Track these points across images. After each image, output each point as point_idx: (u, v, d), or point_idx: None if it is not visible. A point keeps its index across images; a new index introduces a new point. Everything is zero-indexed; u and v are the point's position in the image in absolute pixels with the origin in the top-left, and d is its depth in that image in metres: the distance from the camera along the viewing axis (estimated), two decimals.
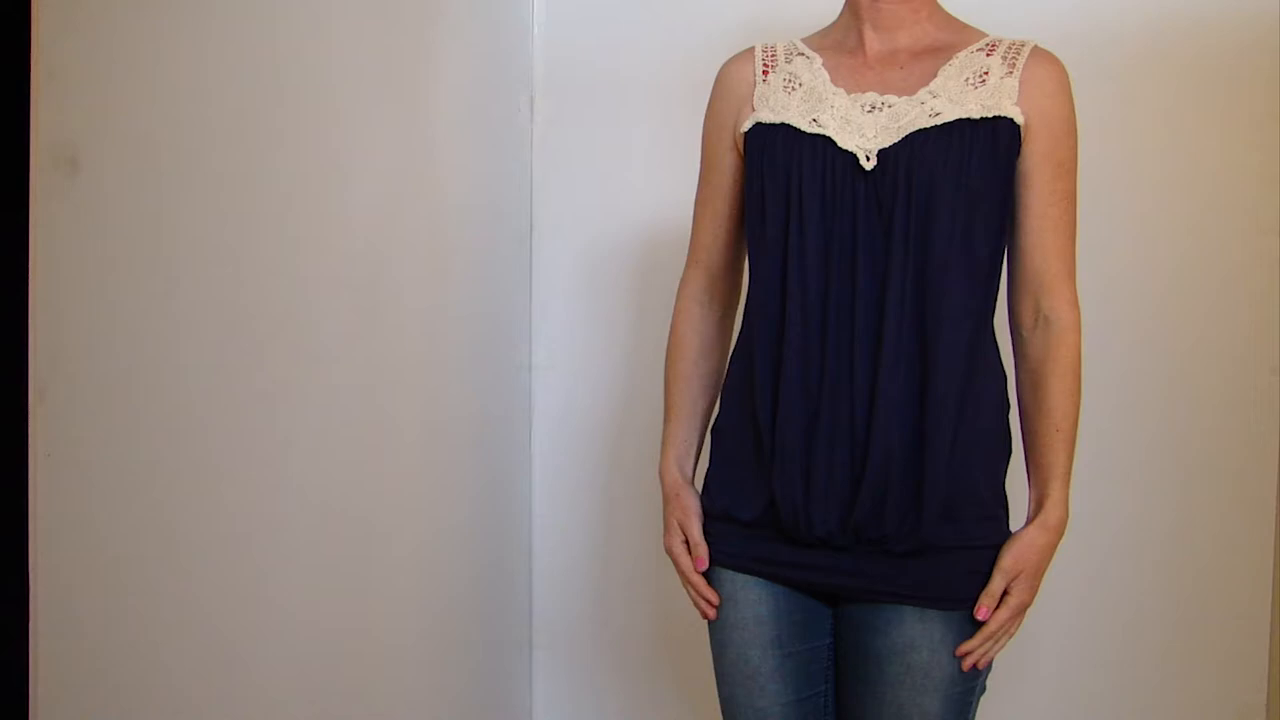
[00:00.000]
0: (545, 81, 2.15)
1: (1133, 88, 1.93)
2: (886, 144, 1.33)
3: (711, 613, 1.44)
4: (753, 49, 1.49)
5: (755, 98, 1.43)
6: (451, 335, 1.85)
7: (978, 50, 1.39)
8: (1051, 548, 1.37)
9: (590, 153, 2.14)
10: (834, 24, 1.50)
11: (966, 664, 1.34)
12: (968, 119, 1.32)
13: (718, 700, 1.50)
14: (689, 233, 1.58)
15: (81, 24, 1.04)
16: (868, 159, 1.33)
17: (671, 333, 1.54)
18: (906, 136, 1.33)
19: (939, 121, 1.33)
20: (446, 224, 1.83)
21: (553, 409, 2.19)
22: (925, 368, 1.31)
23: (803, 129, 1.36)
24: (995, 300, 1.38)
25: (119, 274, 1.09)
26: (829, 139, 1.35)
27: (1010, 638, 1.37)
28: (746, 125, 1.41)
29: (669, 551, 1.49)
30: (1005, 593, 1.35)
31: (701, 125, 1.51)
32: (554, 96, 2.15)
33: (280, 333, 1.35)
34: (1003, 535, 1.38)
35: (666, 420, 1.53)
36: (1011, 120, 1.33)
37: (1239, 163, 1.90)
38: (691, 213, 1.56)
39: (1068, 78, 1.39)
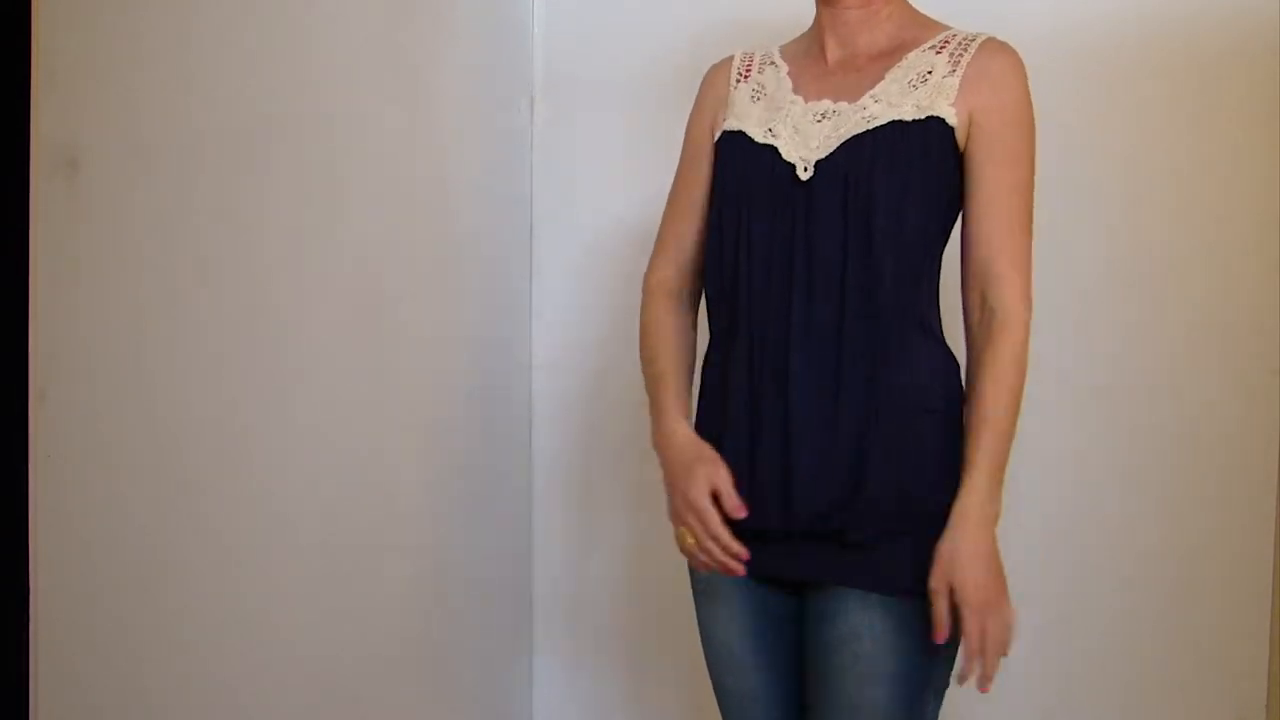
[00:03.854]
0: (545, 81, 2.15)
1: (1132, 87, 1.93)
2: (825, 153, 1.36)
3: (740, 568, 1.35)
4: (733, 56, 1.54)
5: (728, 104, 1.49)
6: (451, 335, 1.85)
7: (929, 48, 1.40)
8: (974, 542, 1.29)
9: (590, 153, 2.14)
10: (806, 31, 1.53)
11: (965, 683, 1.31)
12: (900, 121, 1.34)
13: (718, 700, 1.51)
14: (669, 192, 1.59)
15: (81, 24, 1.04)
16: (805, 169, 1.36)
17: (644, 313, 1.52)
18: (842, 144, 1.36)
19: (872, 125, 1.35)
20: (446, 224, 1.83)
21: (553, 409, 2.19)
22: (862, 362, 1.33)
23: (755, 139, 1.42)
24: (935, 299, 1.39)
25: (119, 274, 1.09)
26: (775, 149, 1.39)
27: (1002, 645, 1.30)
28: (718, 133, 1.48)
29: (694, 507, 1.35)
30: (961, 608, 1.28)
31: (687, 125, 1.57)
32: (554, 96, 2.15)
33: (280, 333, 1.35)
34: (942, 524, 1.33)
35: (658, 389, 1.46)
36: (943, 120, 1.34)
37: (1239, 162, 1.89)
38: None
39: (1018, 68, 1.39)
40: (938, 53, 1.39)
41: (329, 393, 1.45)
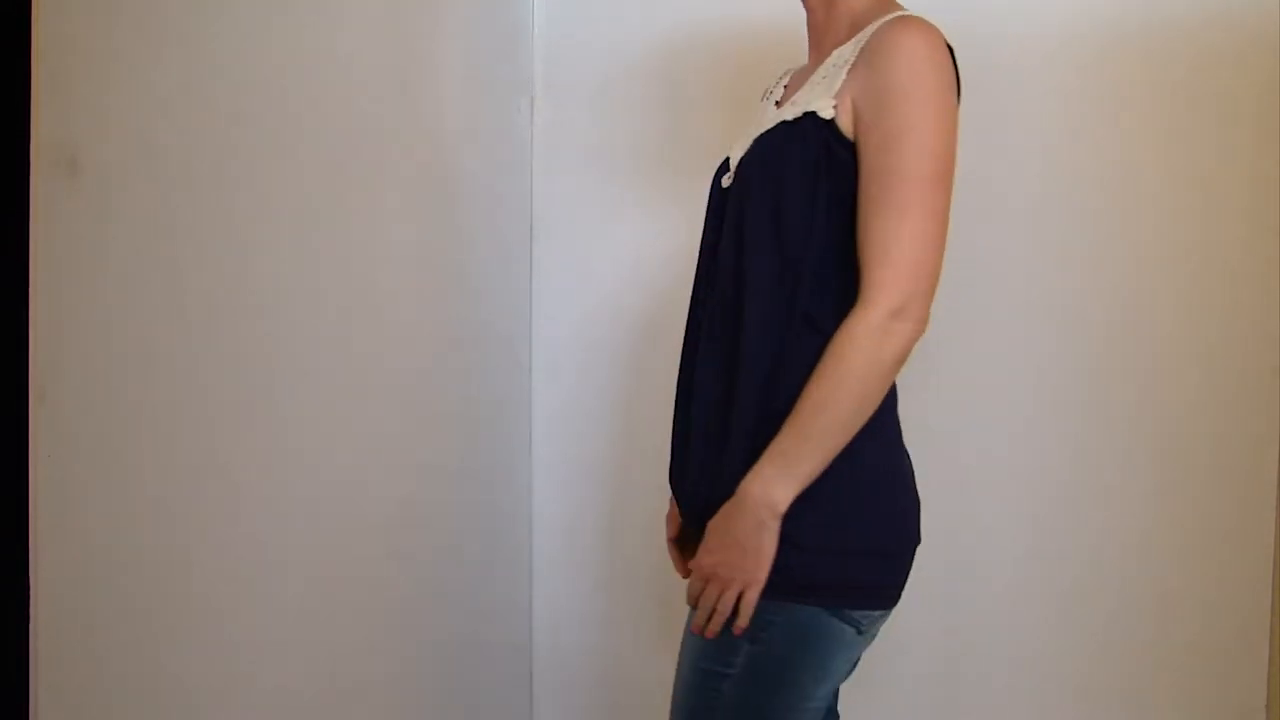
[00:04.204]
0: (545, 81, 2.15)
1: (1132, 87, 1.93)
2: (736, 160, 1.38)
3: None
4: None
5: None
6: (452, 336, 1.85)
7: (855, 40, 1.31)
8: (731, 519, 1.27)
9: (590, 153, 2.14)
10: None
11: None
12: (784, 121, 1.30)
13: None
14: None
15: (81, 24, 1.04)
16: (728, 176, 1.39)
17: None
18: (749, 149, 1.35)
19: (764, 129, 1.33)
20: (447, 224, 1.83)
21: (553, 410, 2.19)
22: (734, 360, 1.30)
23: (728, 154, 1.44)
24: (821, 298, 1.28)
25: (119, 274, 1.09)
26: (727, 160, 1.43)
27: (717, 613, 1.29)
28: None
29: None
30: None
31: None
32: (554, 96, 2.15)
33: (280, 333, 1.35)
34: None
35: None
36: (815, 114, 1.27)
37: (1239, 162, 1.89)
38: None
39: (900, 44, 1.25)
40: (857, 43, 1.31)
41: (329, 392, 1.45)
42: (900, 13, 1.30)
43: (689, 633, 1.35)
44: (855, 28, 1.35)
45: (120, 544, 1.10)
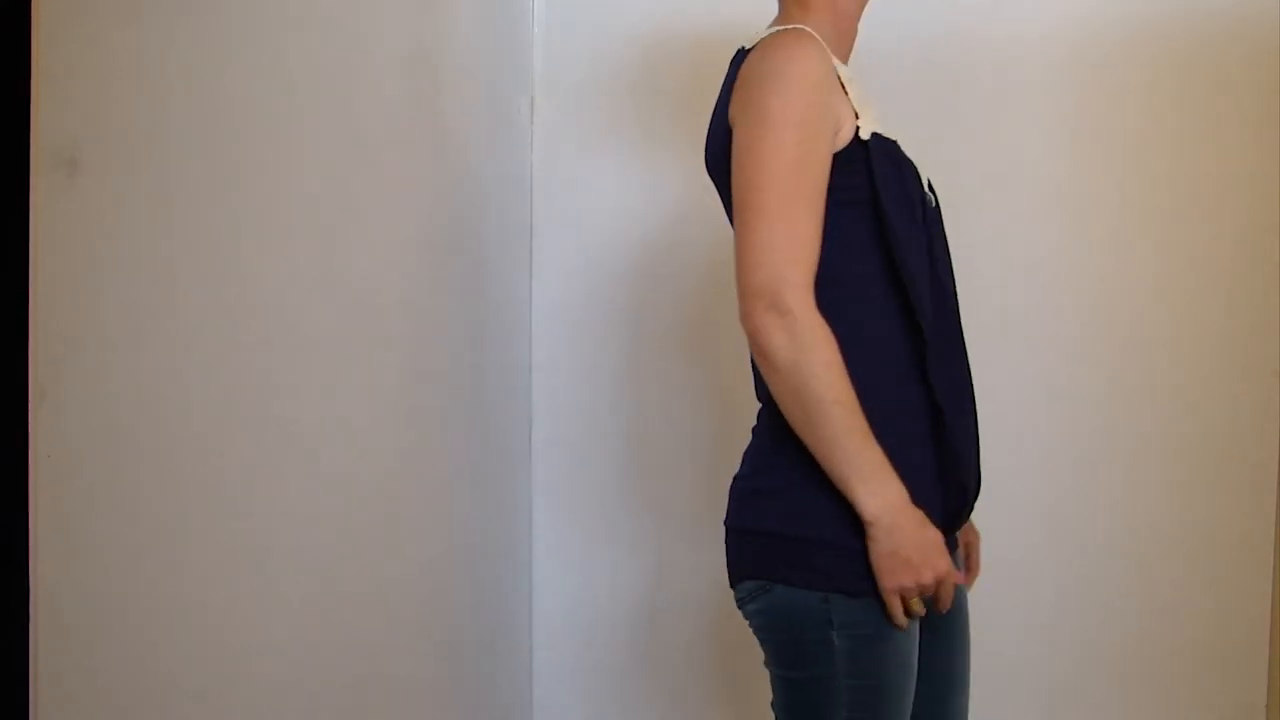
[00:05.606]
0: (545, 81, 2.15)
1: (1131, 87, 1.93)
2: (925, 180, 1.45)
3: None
4: (813, 36, 1.35)
5: (853, 100, 1.36)
6: (452, 335, 1.85)
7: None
8: None
9: (590, 153, 2.14)
10: (817, 22, 1.41)
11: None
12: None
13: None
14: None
15: (81, 24, 1.04)
16: (929, 189, 1.45)
17: (821, 345, 1.27)
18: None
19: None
20: (447, 224, 1.83)
21: (553, 409, 2.19)
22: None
23: (907, 154, 1.42)
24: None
25: (119, 274, 1.09)
26: (914, 165, 1.43)
27: None
28: (865, 131, 1.35)
29: (945, 576, 1.31)
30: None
31: (791, 106, 1.34)
32: (554, 96, 2.15)
33: (280, 333, 1.35)
34: None
35: (867, 441, 1.28)
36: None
37: (1239, 163, 1.90)
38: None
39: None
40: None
41: (327, 393, 1.45)
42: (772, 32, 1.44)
43: (967, 632, 1.50)
44: None
45: (120, 544, 1.10)
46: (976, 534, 1.63)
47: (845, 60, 1.46)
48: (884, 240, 1.35)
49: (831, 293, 1.31)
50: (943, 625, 1.42)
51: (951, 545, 1.41)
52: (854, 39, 1.48)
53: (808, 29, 1.35)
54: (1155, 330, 1.93)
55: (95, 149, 1.05)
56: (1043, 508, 1.94)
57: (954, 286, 1.44)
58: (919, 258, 1.37)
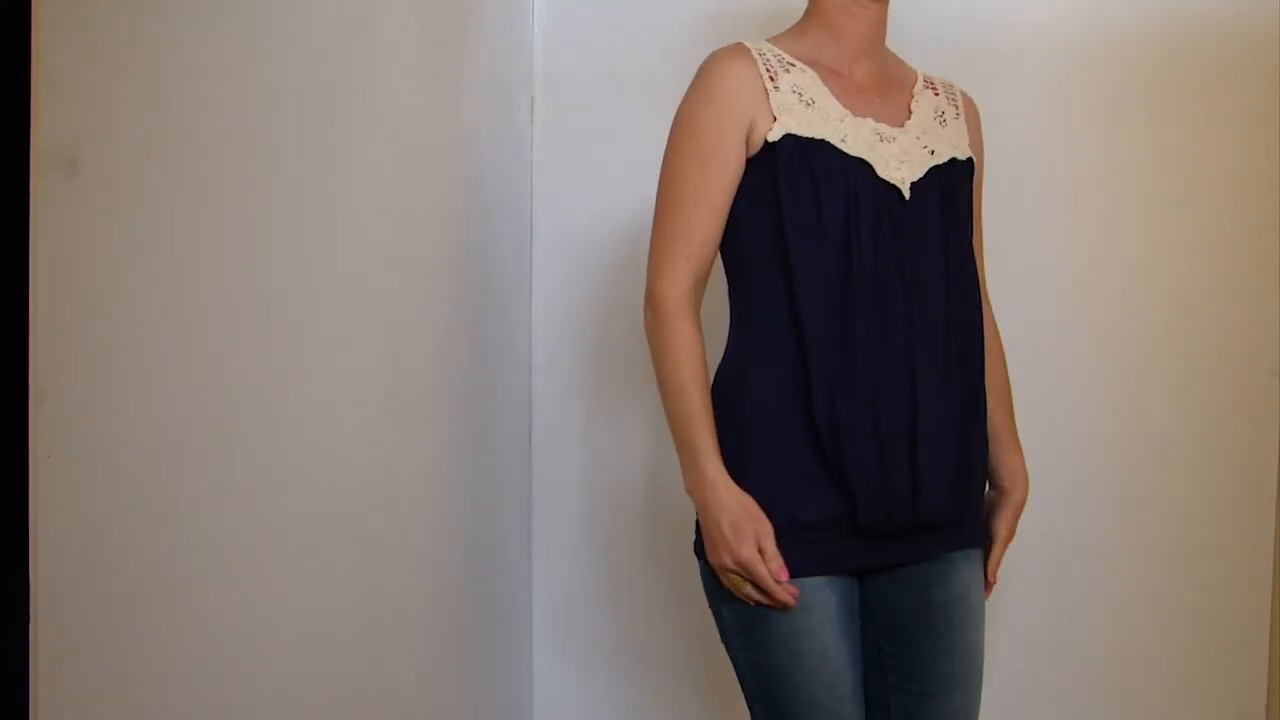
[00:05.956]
0: (545, 81, 2.15)
1: (1131, 87, 1.93)
2: (913, 177, 1.45)
3: (794, 603, 1.41)
4: (745, 48, 1.48)
5: (774, 105, 1.44)
6: (451, 335, 1.85)
7: (925, 88, 1.57)
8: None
9: (590, 153, 2.14)
10: (801, 35, 1.53)
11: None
12: (956, 159, 1.51)
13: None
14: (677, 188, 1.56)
15: (81, 24, 1.04)
16: (906, 190, 1.44)
17: (671, 333, 1.44)
18: (929, 170, 1.47)
19: (944, 159, 1.49)
20: (446, 223, 1.83)
21: (553, 410, 2.19)
22: (967, 372, 1.47)
23: (844, 150, 1.43)
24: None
25: (120, 274, 1.09)
26: (870, 165, 1.43)
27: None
28: (775, 134, 1.42)
29: (745, 563, 1.39)
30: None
31: (695, 116, 1.48)
32: (554, 96, 2.15)
33: (280, 332, 1.35)
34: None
35: (695, 428, 1.43)
36: (973, 159, 1.56)
37: (1239, 162, 1.90)
38: None
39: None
40: (935, 94, 1.57)
41: (328, 393, 1.46)
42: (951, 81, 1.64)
43: (977, 612, 1.54)
44: (890, 60, 1.57)
45: (120, 544, 1.10)
46: (998, 543, 1.60)
47: (843, 60, 1.50)
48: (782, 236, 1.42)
49: (737, 280, 1.49)
50: (909, 625, 1.49)
51: (922, 553, 1.47)
52: (860, 38, 1.51)
53: (746, 43, 1.49)
54: (1153, 329, 1.94)
55: (95, 149, 1.05)
56: (1040, 507, 1.93)
57: (908, 287, 1.42)
58: (817, 257, 1.41)
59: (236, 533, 1.27)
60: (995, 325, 1.63)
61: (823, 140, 1.42)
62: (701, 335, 1.47)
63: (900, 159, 1.45)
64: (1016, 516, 1.60)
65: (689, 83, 1.53)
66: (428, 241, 1.76)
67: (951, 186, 1.49)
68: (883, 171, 1.43)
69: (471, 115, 1.93)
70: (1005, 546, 1.59)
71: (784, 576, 1.39)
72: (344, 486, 1.50)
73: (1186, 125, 1.92)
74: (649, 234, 1.50)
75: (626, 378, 2.15)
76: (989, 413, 1.55)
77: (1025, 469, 1.61)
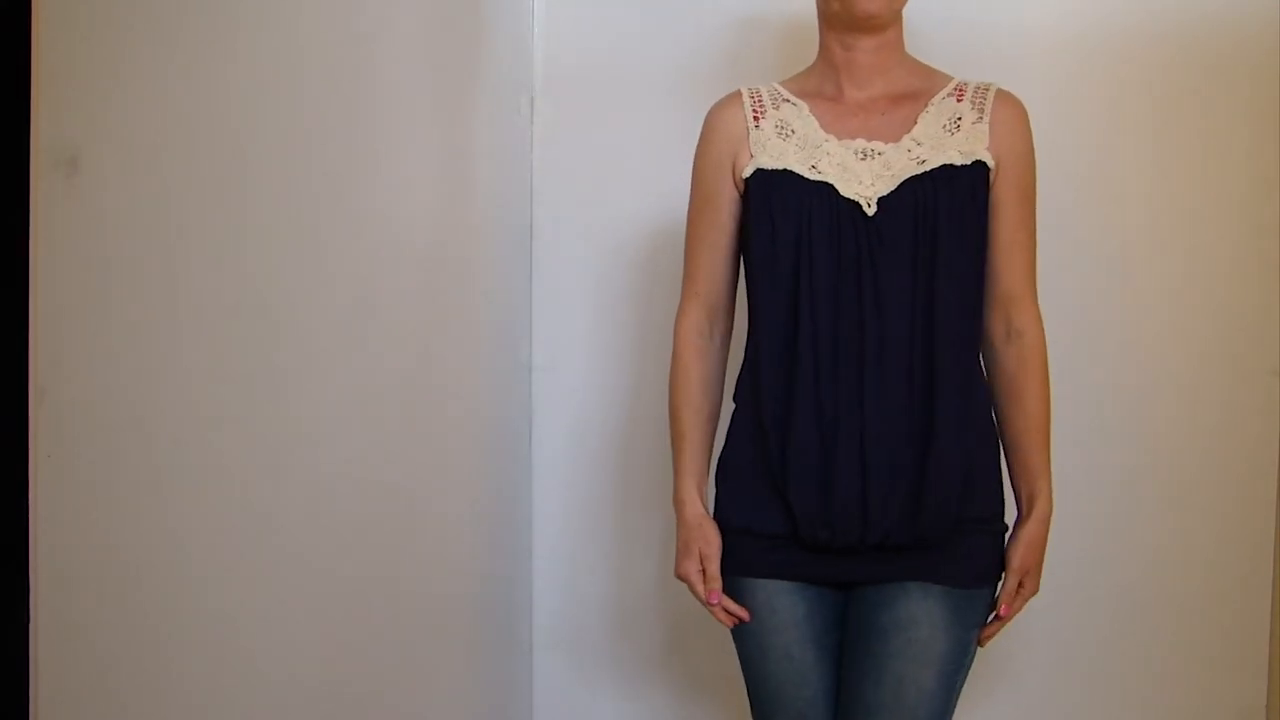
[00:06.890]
0: (545, 81, 2.15)
1: (1131, 87, 1.93)
2: (884, 191, 1.46)
3: (732, 622, 1.53)
4: (739, 94, 1.58)
5: (752, 143, 1.53)
6: (451, 336, 1.85)
7: (948, 96, 1.53)
8: (1045, 534, 1.52)
9: (590, 153, 2.14)
10: (810, 71, 1.59)
11: (985, 643, 1.50)
12: (950, 165, 1.47)
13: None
14: (689, 233, 1.58)
15: (81, 24, 1.04)
16: (869, 206, 1.45)
17: (675, 361, 1.59)
18: (903, 182, 1.46)
19: (928, 167, 1.46)
20: (446, 224, 1.83)
21: (553, 410, 2.19)
22: (931, 388, 1.44)
23: (806, 176, 1.48)
24: (981, 323, 1.52)
25: (119, 274, 1.09)
26: (831, 186, 1.46)
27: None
28: (748, 170, 1.52)
29: (684, 577, 1.53)
30: (1019, 585, 1.50)
31: (695, 164, 1.60)
32: (554, 96, 2.15)
33: (280, 333, 1.35)
34: (999, 522, 1.50)
35: (680, 449, 1.58)
36: (985, 164, 1.49)
37: (1239, 162, 1.90)
38: (684, 214, 1.58)
39: (1027, 115, 1.54)
40: (959, 100, 1.52)
41: (328, 393, 1.46)
42: (998, 85, 1.56)
43: (923, 648, 1.44)
44: (917, 75, 1.56)
45: (120, 544, 1.10)
46: (1008, 574, 1.52)
47: (842, 88, 1.54)
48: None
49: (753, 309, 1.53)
50: (852, 642, 1.50)
51: (876, 574, 1.47)
52: (859, 67, 1.53)
53: (741, 88, 1.59)
54: (1154, 330, 1.93)
55: (95, 149, 1.05)
56: None
57: (867, 304, 1.44)
58: (772, 277, 1.49)
59: (236, 533, 1.27)
60: (1034, 337, 1.53)
61: (786, 170, 1.49)
62: (710, 362, 1.60)
63: (877, 174, 1.47)
64: (1031, 548, 1.50)
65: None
66: (427, 241, 1.76)
67: (933, 196, 1.46)
68: (846, 190, 1.47)
69: (471, 115, 1.93)
70: (1017, 579, 1.50)
71: (714, 600, 1.51)
72: (343, 486, 1.50)
73: (1187, 125, 1.92)
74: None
75: (628, 377, 2.15)
76: (1018, 435, 1.52)
77: (1048, 497, 1.52)
